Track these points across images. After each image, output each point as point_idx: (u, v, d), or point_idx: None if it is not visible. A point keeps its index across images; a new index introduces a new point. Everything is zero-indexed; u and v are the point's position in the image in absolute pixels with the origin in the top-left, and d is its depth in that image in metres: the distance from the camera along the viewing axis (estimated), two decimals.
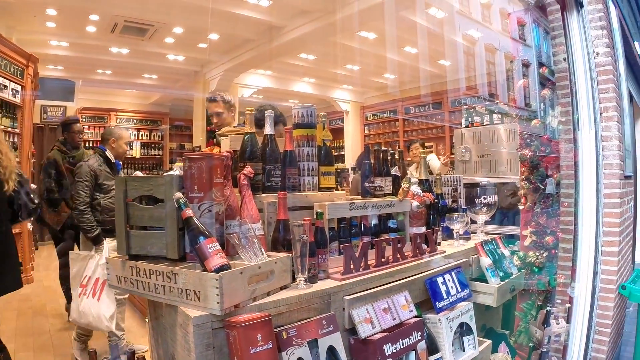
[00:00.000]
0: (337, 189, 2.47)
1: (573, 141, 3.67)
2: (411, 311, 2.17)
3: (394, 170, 2.71)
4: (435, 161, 6.44)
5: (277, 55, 9.50)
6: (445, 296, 2.40)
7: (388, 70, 11.05)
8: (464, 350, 2.44)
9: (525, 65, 4.11)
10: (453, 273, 2.54)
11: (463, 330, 2.46)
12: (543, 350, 3.14)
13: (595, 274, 3.54)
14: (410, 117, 12.39)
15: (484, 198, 3.17)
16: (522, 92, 4.17)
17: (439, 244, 2.86)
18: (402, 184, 2.74)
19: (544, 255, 3.60)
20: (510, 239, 3.78)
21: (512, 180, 3.94)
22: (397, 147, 9.06)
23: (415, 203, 2.60)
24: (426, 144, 7.35)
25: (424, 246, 2.54)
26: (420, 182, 2.88)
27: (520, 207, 3.82)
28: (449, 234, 3.12)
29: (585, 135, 3.62)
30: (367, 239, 2.29)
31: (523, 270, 3.45)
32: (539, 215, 3.69)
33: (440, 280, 2.43)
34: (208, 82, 10.39)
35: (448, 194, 3.40)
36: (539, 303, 3.55)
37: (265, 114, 2.18)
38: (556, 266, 3.65)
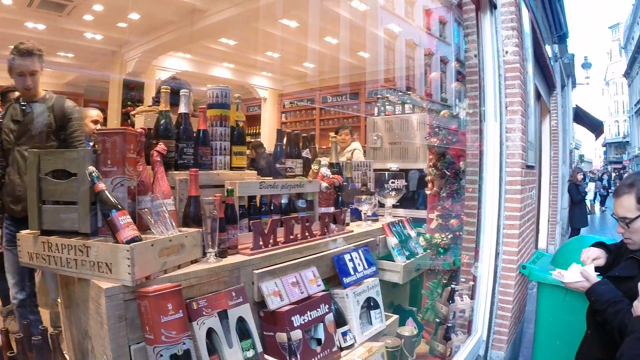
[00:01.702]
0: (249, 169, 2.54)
1: (479, 132, 3.86)
2: (319, 285, 2.28)
3: (305, 153, 2.81)
4: (359, 153, 6.03)
5: (198, 38, 9.28)
6: (352, 272, 2.52)
7: (308, 59, 11.05)
8: (371, 324, 2.58)
9: (444, 62, 4.27)
10: (360, 251, 2.67)
11: (370, 304, 2.60)
12: (449, 325, 3.30)
13: (497, 254, 3.77)
14: (327, 107, 12.45)
15: (392, 182, 3.32)
16: (435, 84, 4.35)
17: (348, 224, 2.98)
18: (312, 166, 2.84)
19: (449, 237, 3.77)
20: (418, 222, 3.95)
21: (421, 166, 4.10)
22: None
23: (324, 184, 2.71)
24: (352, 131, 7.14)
25: (332, 225, 2.65)
26: (331, 165, 2.99)
27: (428, 192, 4.01)
28: (357, 215, 3.24)
29: (491, 126, 3.83)
30: (276, 217, 2.37)
31: (429, 250, 3.61)
32: (445, 199, 3.87)
33: (347, 257, 2.55)
34: (126, 63, 10.04)
35: (358, 178, 3.54)
36: (445, 282, 3.71)
37: (181, 93, 2.20)
38: (460, 247, 3.83)
